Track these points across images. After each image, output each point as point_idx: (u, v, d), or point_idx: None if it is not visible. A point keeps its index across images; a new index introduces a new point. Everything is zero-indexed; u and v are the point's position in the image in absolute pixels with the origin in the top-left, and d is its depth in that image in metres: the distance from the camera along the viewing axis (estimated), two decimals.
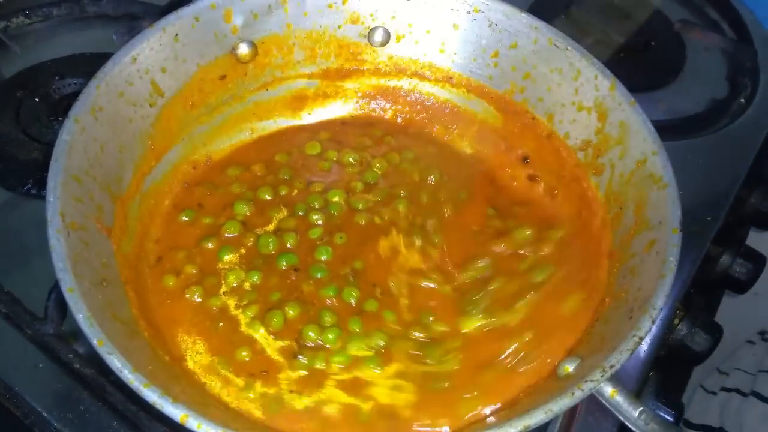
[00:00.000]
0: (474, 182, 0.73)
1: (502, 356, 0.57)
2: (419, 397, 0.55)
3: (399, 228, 0.67)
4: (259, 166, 0.70)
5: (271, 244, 0.64)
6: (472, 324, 0.59)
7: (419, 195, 0.70)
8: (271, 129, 0.74)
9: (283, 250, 0.64)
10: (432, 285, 0.63)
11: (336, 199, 0.68)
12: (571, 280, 0.61)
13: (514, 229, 0.67)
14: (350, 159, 0.72)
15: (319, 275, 0.62)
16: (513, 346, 0.57)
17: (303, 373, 0.56)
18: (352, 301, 0.61)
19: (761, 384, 0.84)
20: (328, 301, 0.61)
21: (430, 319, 0.60)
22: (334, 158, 0.72)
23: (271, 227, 0.66)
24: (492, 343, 0.58)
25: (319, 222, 0.66)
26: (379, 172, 0.72)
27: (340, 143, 0.74)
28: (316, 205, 0.68)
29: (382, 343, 0.58)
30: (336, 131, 0.75)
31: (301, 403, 0.54)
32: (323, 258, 0.63)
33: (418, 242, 0.66)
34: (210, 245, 0.63)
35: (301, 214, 0.67)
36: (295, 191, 0.69)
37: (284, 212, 0.67)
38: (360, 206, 0.68)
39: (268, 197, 0.68)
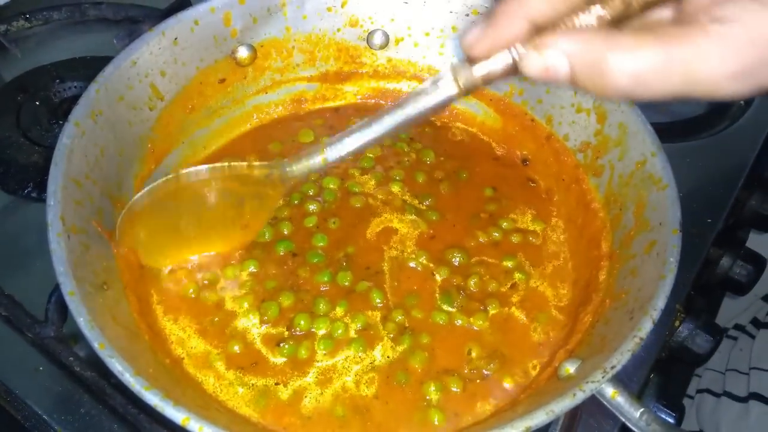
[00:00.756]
0: (474, 161, 0.73)
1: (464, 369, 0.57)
2: (384, 390, 0.55)
3: (393, 207, 0.67)
4: (253, 156, 0.71)
5: (267, 234, 0.64)
6: (444, 318, 0.60)
7: (415, 175, 0.71)
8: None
9: (280, 237, 0.64)
10: (418, 268, 0.63)
11: (331, 186, 0.69)
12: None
13: (511, 211, 0.69)
14: None
15: (315, 260, 0.62)
16: (475, 354, 0.58)
17: (285, 360, 0.56)
18: (347, 284, 0.61)
19: (731, 383, 0.84)
20: (323, 288, 0.61)
21: (412, 303, 0.61)
22: None
23: None
24: (457, 342, 0.59)
25: (314, 210, 0.67)
26: (373, 157, 0.72)
27: (333, 128, 0.74)
28: (311, 193, 0.68)
29: (359, 326, 0.58)
30: (329, 117, 0.76)
31: (285, 394, 0.55)
32: (320, 244, 0.64)
33: (410, 222, 0.66)
34: None
35: (296, 203, 0.67)
36: None
37: (279, 201, 0.67)
38: (356, 190, 0.69)
39: None
